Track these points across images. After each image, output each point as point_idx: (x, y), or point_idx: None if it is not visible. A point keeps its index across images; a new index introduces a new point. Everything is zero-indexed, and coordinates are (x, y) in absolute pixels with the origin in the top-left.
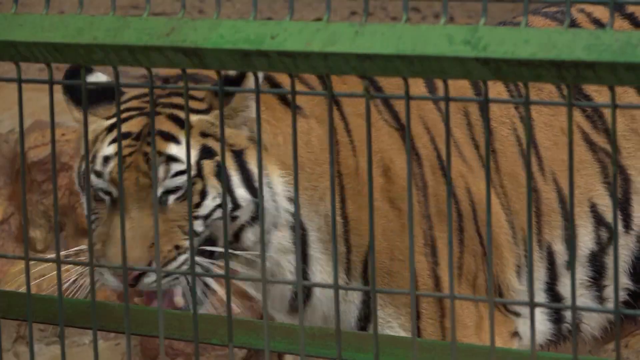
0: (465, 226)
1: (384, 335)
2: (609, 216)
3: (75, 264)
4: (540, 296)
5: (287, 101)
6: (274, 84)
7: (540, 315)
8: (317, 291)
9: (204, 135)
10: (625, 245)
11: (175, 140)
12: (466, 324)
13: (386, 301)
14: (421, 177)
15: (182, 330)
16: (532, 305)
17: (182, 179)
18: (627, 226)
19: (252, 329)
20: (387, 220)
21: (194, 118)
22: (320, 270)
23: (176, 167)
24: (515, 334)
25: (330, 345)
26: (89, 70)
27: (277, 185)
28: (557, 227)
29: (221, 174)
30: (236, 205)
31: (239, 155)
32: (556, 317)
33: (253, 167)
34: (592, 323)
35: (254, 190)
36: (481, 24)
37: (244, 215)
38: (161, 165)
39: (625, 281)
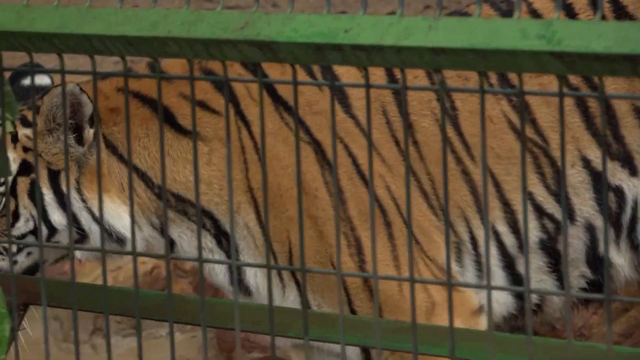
0: (392, 220)
1: (458, 328)
2: (547, 206)
3: (151, 256)
4: (498, 274)
5: (177, 127)
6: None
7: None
8: (254, 291)
9: (25, 149)
10: (575, 235)
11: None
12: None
13: (321, 303)
14: (334, 184)
15: (258, 323)
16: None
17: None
18: (572, 218)
19: (327, 323)
20: (305, 228)
21: (20, 132)
22: (255, 274)
23: None
24: (481, 309)
25: (405, 339)
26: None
27: (110, 206)
28: (496, 209)
29: (34, 193)
30: (53, 230)
31: (55, 175)
32: (517, 294)
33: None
34: (552, 305)
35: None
36: (555, 17)
37: (64, 240)
38: None
39: (583, 269)
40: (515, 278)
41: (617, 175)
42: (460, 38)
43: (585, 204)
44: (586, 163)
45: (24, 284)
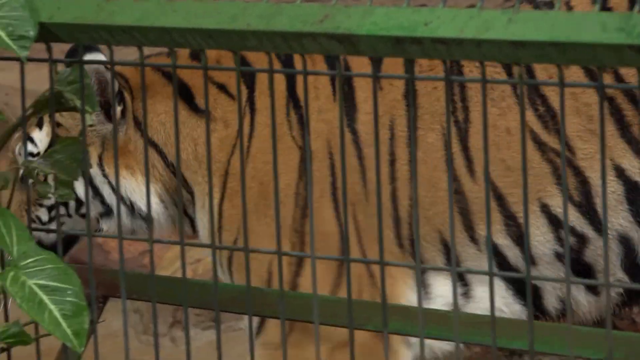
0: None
1: (539, 322)
2: (570, 218)
3: (231, 249)
4: (498, 285)
5: (193, 106)
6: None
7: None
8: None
9: (58, 124)
10: (609, 248)
11: (39, 125)
12: None
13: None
14: (303, 198)
15: (337, 316)
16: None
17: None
18: (599, 230)
19: (406, 316)
20: (257, 224)
21: None
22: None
23: (30, 149)
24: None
25: (484, 332)
26: (89, 49)
27: (133, 184)
28: (496, 223)
29: None
30: (79, 203)
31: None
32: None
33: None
34: (582, 309)
35: (95, 189)
36: (635, 11)
37: (91, 212)
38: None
39: (619, 276)
40: (519, 287)
41: None
42: (540, 31)
43: (617, 216)
44: (620, 172)
45: (103, 276)
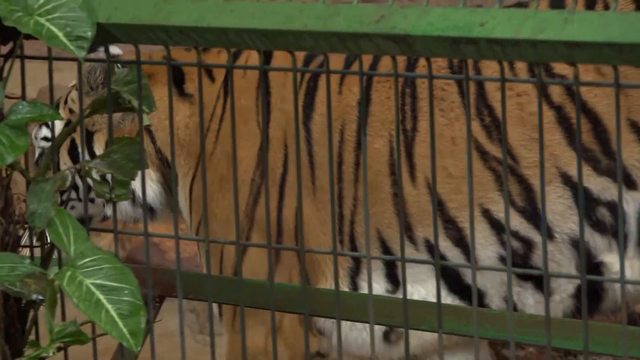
0: (285, 242)
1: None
2: (513, 223)
3: (286, 249)
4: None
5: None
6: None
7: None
8: None
9: (71, 111)
10: (557, 252)
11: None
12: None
13: None
14: (257, 185)
15: (392, 316)
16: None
17: (45, 144)
18: (550, 235)
19: (461, 316)
20: (216, 207)
21: (70, 95)
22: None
23: (43, 132)
24: None
25: (538, 332)
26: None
27: None
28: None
29: (74, 152)
30: (90, 188)
31: (90, 136)
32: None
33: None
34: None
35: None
36: None
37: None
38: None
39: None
40: (463, 289)
41: (610, 190)
42: (596, 32)
43: (567, 221)
44: (567, 179)
45: (159, 276)
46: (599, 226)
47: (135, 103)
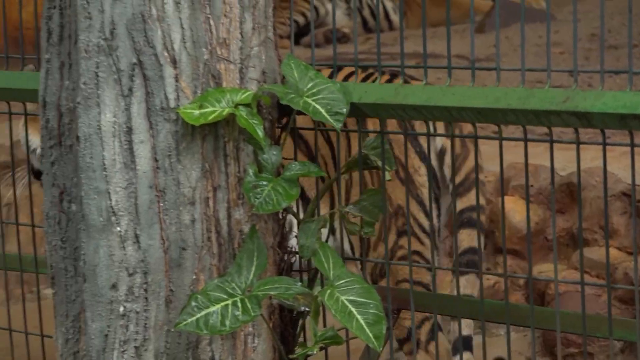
0: None
1: None
2: None
3: (492, 275)
4: None
5: None
6: None
7: None
8: None
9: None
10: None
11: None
12: None
13: None
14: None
15: (574, 326)
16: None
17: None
18: None
19: (628, 326)
20: None
21: None
22: None
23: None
24: None
25: None
26: None
27: None
28: None
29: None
30: None
31: None
32: None
33: None
34: None
35: None
36: None
37: None
38: None
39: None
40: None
41: None
42: None
43: None
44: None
45: (396, 294)
46: None
47: (379, 163)
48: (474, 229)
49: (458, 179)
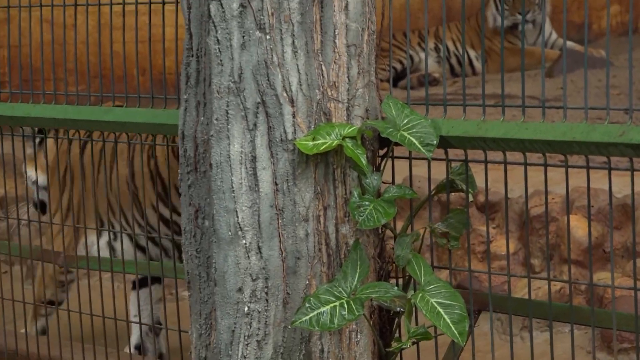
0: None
1: None
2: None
3: (558, 281)
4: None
5: None
6: None
7: None
8: None
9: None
10: None
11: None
12: None
13: None
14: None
15: (627, 325)
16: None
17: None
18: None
19: None
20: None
21: None
22: None
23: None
24: None
25: None
26: None
27: None
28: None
29: None
30: None
31: None
32: None
33: None
34: None
35: None
36: None
37: None
38: None
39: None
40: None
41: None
42: None
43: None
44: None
45: (478, 297)
46: None
47: (463, 186)
48: None
49: None
